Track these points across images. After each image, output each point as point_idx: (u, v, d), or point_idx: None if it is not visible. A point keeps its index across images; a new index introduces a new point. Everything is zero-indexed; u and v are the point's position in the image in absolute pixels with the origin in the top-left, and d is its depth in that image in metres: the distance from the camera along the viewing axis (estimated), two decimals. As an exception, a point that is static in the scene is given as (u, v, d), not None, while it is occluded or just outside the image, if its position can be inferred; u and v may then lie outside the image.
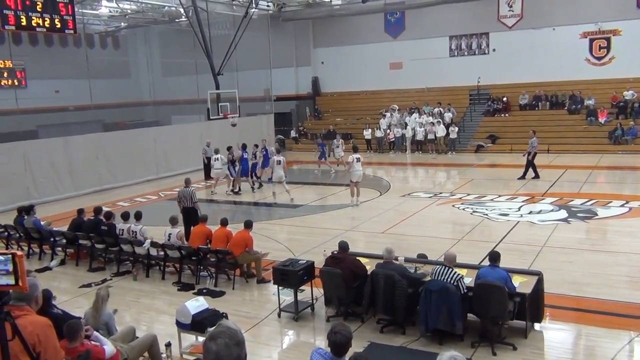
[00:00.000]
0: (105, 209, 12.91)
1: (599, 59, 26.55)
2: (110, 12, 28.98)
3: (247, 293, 9.83)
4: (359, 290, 7.99)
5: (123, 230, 11.30)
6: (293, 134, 31.48)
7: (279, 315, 8.51)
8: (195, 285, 10.12)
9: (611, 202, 14.84)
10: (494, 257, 7.51)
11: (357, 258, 8.39)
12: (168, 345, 6.60)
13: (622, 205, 14.37)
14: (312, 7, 31.07)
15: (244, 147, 19.33)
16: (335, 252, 8.37)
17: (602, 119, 24.61)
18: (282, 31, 31.82)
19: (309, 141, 29.92)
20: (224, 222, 10.72)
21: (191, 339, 7.31)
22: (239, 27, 25.75)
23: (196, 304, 7.19)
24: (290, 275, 8.28)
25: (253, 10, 26.92)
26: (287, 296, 8.68)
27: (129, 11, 29.21)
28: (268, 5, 29.86)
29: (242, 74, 28.15)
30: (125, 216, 11.58)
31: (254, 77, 29.53)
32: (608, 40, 26.26)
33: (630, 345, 7.23)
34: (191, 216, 12.44)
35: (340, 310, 8.26)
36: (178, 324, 7.18)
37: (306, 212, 15.63)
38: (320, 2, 30.63)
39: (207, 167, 21.14)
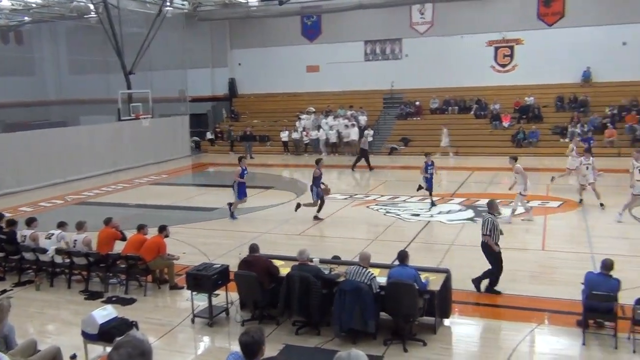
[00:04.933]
0: (6, 215, 12.13)
1: (503, 66, 28.10)
2: (12, 5, 27.26)
3: (160, 300, 9.57)
4: (274, 292, 7.99)
5: (26, 236, 10.66)
6: (209, 135, 30.98)
7: (193, 321, 8.35)
8: (104, 293, 9.72)
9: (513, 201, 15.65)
10: (403, 256, 7.77)
11: (269, 259, 8.38)
12: (73, 357, 6.34)
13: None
14: (229, 7, 30.72)
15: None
16: (247, 256, 8.33)
17: (505, 123, 26.05)
18: (198, 31, 31.23)
19: (226, 143, 29.57)
20: (140, 227, 10.38)
21: (99, 350, 7.00)
22: (152, 26, 25.03)
23: (104, 312, 6.91)
24: (204, 280, 8.15)
25: (167, 8, 26.27)
26: (202, 301, 8.53)
27: (33, 5, 27.64)
28: (183, 4, 29.25)
29: (156, 74, 27.37)
30: (29, 222, 10.95)
31: (169, 77, 28.70)
32: (512, 48, 27.86)
33: (531, 335, 7.71)
34: None
35: (256, 313, 8.22)
36: (84, 334, 6.87)
37: (222, 215, 15.42)
38: (237, 2, 30.37)
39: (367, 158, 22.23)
